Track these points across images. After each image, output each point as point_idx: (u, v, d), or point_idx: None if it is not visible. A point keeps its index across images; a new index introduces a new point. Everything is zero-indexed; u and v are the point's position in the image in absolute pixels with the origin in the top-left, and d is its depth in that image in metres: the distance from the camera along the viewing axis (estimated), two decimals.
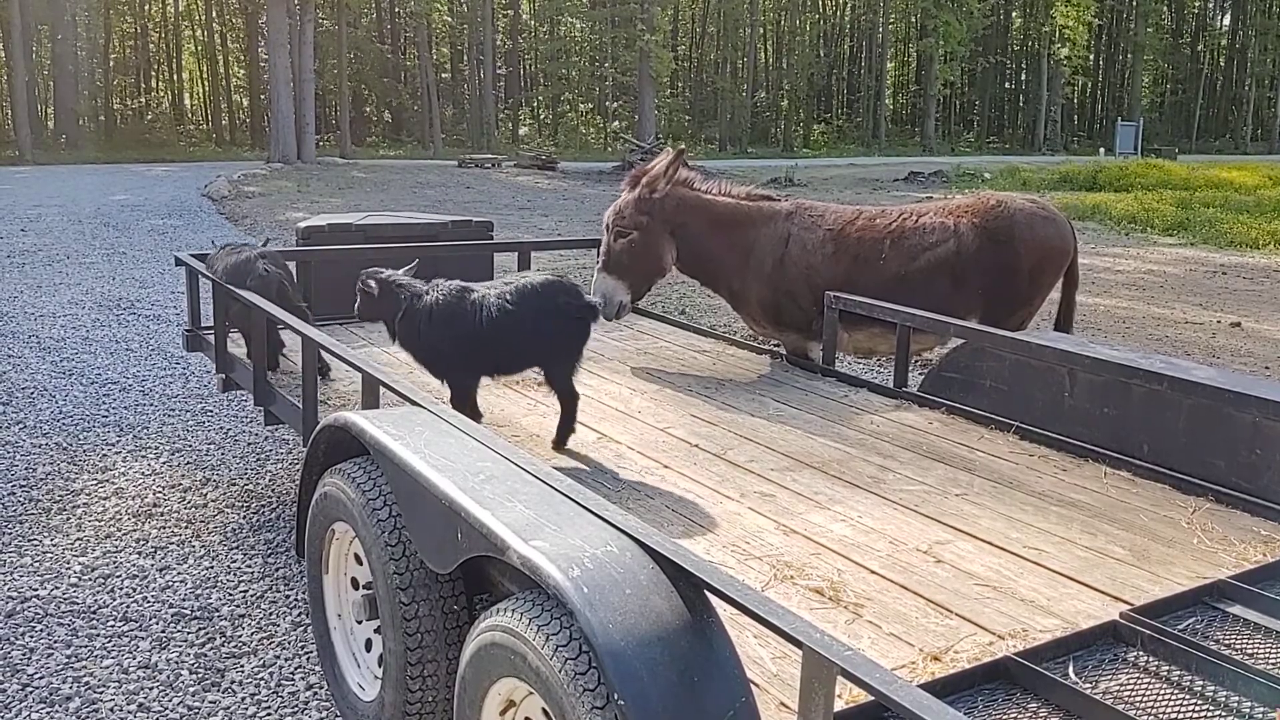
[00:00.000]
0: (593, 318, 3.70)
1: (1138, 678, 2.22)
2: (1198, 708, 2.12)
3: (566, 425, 3.70)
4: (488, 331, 3.62)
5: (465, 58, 51.51)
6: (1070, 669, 2.22)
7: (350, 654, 3.17)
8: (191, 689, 3.49)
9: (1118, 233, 17.69)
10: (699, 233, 5.06)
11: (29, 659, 3.65)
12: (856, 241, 4.89)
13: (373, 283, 3.77)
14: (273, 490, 5.33)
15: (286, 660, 3.67)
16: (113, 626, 3.89)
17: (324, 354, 3.95)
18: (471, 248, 6.19)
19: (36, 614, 3.97)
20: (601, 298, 5.09)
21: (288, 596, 4.16)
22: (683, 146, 5.47)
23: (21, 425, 6.24)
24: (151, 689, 3.48)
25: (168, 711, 3.35)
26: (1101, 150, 42.93)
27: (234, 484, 5.40)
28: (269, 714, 3.36)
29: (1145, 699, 2.14)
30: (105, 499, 5.14)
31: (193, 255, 5.25)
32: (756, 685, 2.09)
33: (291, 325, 3.94)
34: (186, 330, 5.41)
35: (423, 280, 3.85)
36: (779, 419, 4.07)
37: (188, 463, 5.69)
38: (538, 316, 3.62)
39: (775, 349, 5.23)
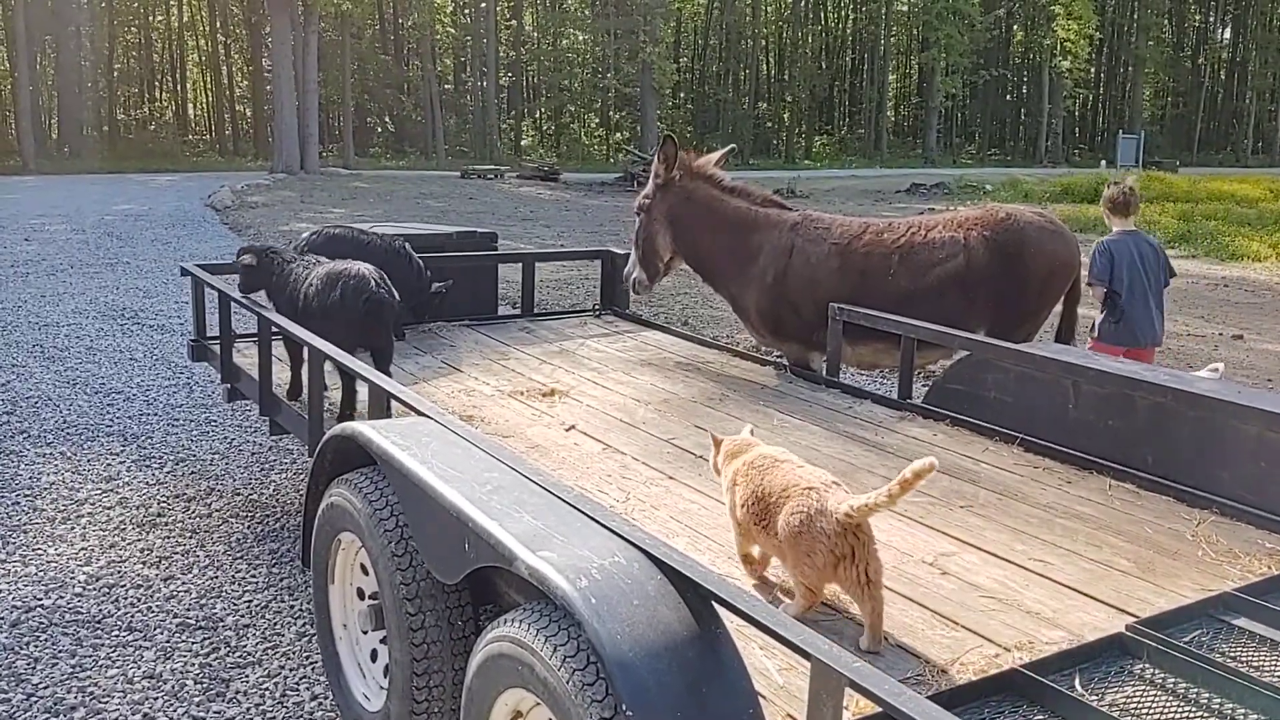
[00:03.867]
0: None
1: (1144, 690, 2.22)
2: None
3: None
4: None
5: (468, 69, 51.67)
6: (1076, 681, 2.22)
7: (356, 664, 3.17)
8: (196, 699, 3.49)
9: None
10: (702, 229, 5.16)
11: (34, 669, 3.65)
12: (864, 257, 4.88)
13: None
14: (277, 500, 5.34)
15: (291, 670, 3.68)
16: (117, 636, 3.89)
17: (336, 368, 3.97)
18: (476, 258, 6.22)
19: (41, 623, 3.97)
20: (626, 271, 5.50)
21: (292, 606, 4.16)
22: (669, 134, 5.58)
23: (26, 434, 6.25)
24: (156, 699, 3.48)
25: None
26: (1103, 163, 42.89)
27: (238, 494, 5.40)
28: None
29: (1152, 712, 2.14)
30: (109, 508, 5.14)
31: (199, 265, 5.27)
32: (763, 697, 2.09)
33: (298, 337, 3.94)
34: (192, 340, 5.42)
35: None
36: (783, 430, 4.07)
37: (192, 472, 5.69)
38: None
39: (778, 360, 5.24)
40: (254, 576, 4.43)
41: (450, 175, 33.58)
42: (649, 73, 43.28)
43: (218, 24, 50.08)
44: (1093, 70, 58.85)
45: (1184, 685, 2.22)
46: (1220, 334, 10.08)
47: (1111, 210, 5.71)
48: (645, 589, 2.00)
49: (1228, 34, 63.49)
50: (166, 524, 4.98)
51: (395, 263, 5.28)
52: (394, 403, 3.27)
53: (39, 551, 4.63)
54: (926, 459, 2.25)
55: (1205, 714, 2.13)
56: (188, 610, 4.11)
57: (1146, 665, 2.30)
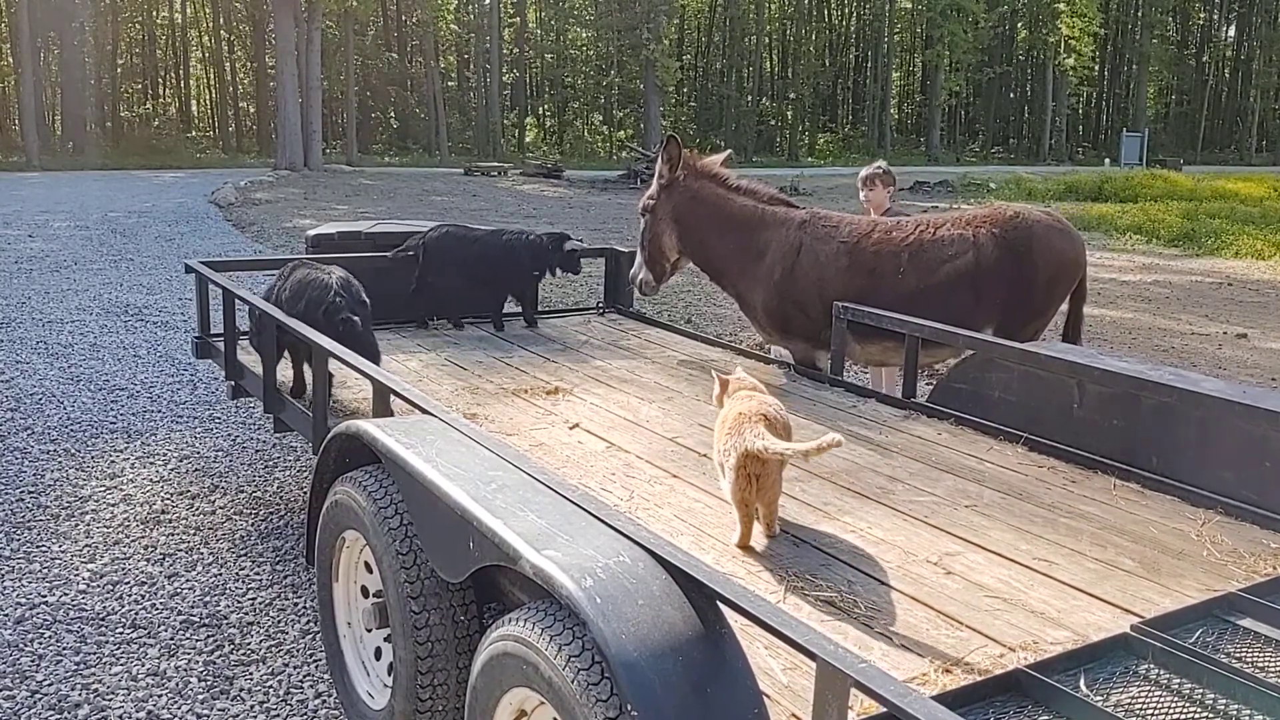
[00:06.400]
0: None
1: (1149, 690, 2.22)
2: None
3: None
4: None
5: (472, 66, 51.71)
6: (1081, 681, 2.22)
7: (360, 662, 3.18)
8: (200, 697, 3.49)
9: (1123, 243, 17.69)
10: (708, 228, 5.15)
11: (38, 665, 3.66)
12: (873, 255, 4.86)
13: None
14: (280, 498, 5.34)
15: (295, 668, 3.68)
16: (121, 634, 3.90)
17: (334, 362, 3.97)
18: None
19: (45, 620, 3.98)
20: (632, 273, 5.49)
21: (296, 604, 4.17)
22: (673, 134, 5.57)
23: (29, 431, 6.26)
24: (160, 696, 3.49)
25: (176, 719, 3.36)
26: (1107, 161, 42.92)
27: (242, 491, 5.41)
28: None
29: (1157, 712, 2.14)
30: (113, 505, 5.15)
31: (203, 262, 5.28)
32: (767, 696, 2.09)
33: (302, 333, 3.95)
34: (196, 338, 5.42)
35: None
36: None
37: (196, 470, 5.70)
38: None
39: (783, 358, 5.23)
40: (258, 574, 4.43)
41: (454, 172, 33.59)
42: (652, 70, 43.33)
43: (221, 20, 50.13)
44: (1097, 68, 58.77)
45: (1189, 686, 2.21)
46: (1224, 333, 10.07)
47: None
48: (650, 588, 2.00)
49: (1232, 32, 63.45)
50: (170, 521, 4.98)
51: (502, 254, 5.68)
52: (398, 401, 3.28)
53: (43, 548, 4.64)
54: (834, 435, 2.63)
55: (1210, 714, 2.13)
56: (192, 608, 4.12)
57: (1151, 665, 2.30)
